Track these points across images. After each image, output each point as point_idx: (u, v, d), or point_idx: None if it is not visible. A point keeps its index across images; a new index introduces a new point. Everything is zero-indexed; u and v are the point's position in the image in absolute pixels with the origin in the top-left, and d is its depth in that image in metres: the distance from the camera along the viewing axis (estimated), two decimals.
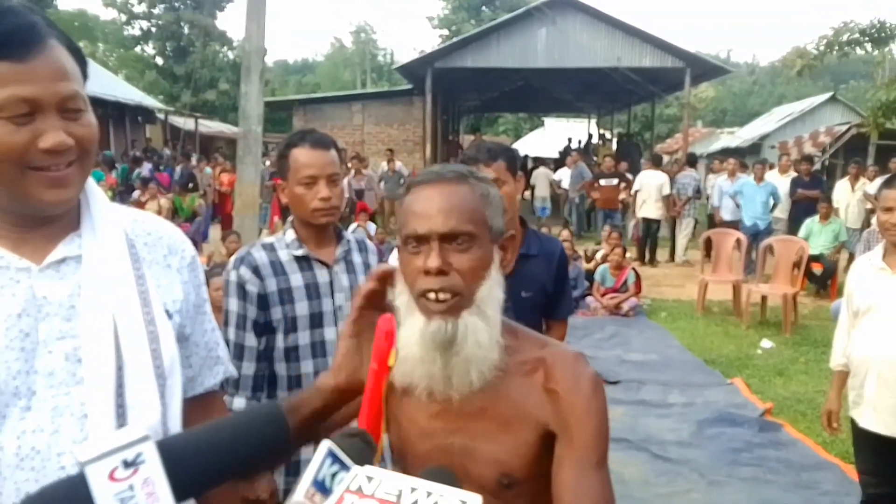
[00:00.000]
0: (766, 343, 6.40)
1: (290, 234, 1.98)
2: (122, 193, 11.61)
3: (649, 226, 10.86)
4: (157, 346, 1.01)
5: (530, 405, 1.07)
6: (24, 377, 0.93)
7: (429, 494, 0.59)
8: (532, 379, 1.08)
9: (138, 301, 1.01)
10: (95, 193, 1.06)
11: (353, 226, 9.69)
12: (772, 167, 10.52)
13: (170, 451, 0.59)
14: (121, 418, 0.95)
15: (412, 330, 1.04)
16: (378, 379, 1.03)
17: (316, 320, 1.93)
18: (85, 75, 0.99)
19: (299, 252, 1.95)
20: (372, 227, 9.89)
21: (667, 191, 10.76)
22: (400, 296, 1.07)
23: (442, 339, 1.02)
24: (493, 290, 1.06)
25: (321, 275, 1.96)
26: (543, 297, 2.28)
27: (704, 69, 16.19)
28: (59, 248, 0.98)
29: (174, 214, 10.15)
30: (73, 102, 0.93)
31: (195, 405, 1.16)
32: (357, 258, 2.07)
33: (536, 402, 1.07)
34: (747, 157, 12.21)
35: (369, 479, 0.49)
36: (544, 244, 2.34)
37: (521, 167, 2.65)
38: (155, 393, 1.00)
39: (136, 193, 10.77)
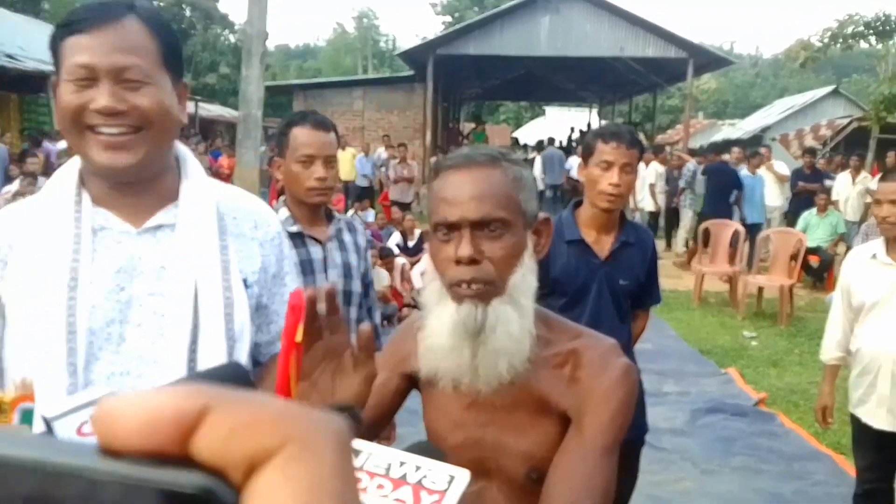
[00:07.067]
0: (748, 333, 6.44)
1: (284, 212, 2.00)
2: None
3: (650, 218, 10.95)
4: (231, 311, 1.10)
5: (557, 396, 1.04)
6: (118, 326, 1.04)
7: (417, 468, 0.60)
8: (562, 371, 1.05)
9: (220, 270, 1.11)
10: (195, 169, 1.17)
11: (350, 212, 9.68)
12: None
13: None
14: (191, 371, 1.05)
15: (441, 317, 1.01)
16: (286, 358, 0.96)
17: None
18: (169, 58, 1.07)
19: (293, 229, 1.96)
20: (370, 213, 9.87)
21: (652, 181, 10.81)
22: (431, 283, 1.04)
23: (472, 325, 0.98)
24: (526, 278, 1.02)
25: (315, 251, 1.99)
26: (637, 287, 2.27)
27: (707, 60, 16.12)
28: (158, 215, 1.10)
29: None
30: (130, 73, 1.01)
31: (272, 367, 1.25)
32: (347, 237, 2.12)
33: (562, 393, 1.04)
34: (748, 150, 12.15)
35: (357, 452, 0.49)
36: (640, 233, 2.33)
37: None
38: (223, 353, 1.08)
39: None
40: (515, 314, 1.00)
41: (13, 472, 0.15)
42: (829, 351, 2.76)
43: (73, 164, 1.11)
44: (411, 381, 1.18)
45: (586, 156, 2.18)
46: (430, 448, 0.80)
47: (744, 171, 9.28)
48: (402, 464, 0.61)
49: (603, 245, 2.20)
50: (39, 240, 1.05)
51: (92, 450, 0.15)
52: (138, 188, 1.09)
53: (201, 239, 1.10)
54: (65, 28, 1.02)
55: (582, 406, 1.01)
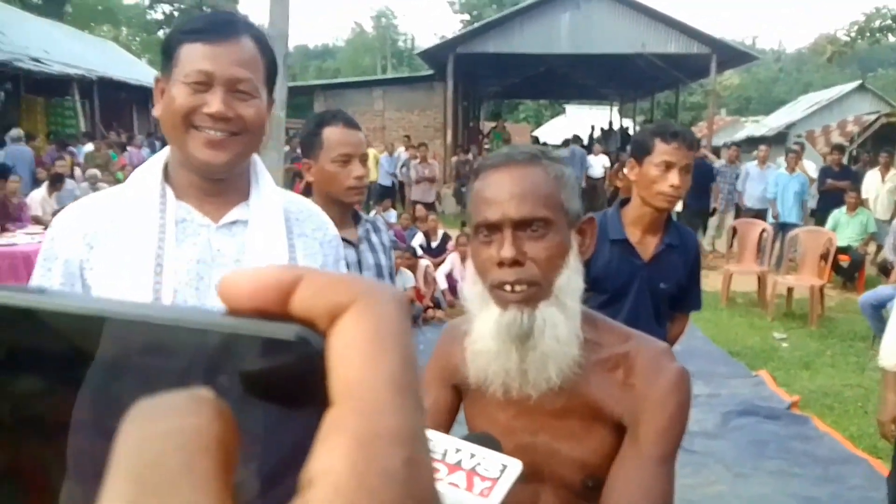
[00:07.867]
0: (778, 334, 6.35)
1: None
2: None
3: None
4: None
5: (610, 402, 1.02)
6: None
7: (472, 456, 0.60)
8: (614, 375, 1.03)
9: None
10: (264, 173, 1.27)
11: (372, 213, 9.69)
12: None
13: None
14: None
15: (486, 322, 0.99)
16: None
17: None
18: (270, 77, 1.19)
19: None
20: (392, 214, 9.87)
21: None
22: (473, 287, 1.03)
23: (518, 331, 0.96)
24: (572, 279, 1.00)
25: (349, 254, 1.98)
26: (677, 290, 2.22)
27: (730, 56, 15.92)
28: (233, 211, 1.19)
29: None
30: (243, 85, 1.12)
31: None
32: (375, 238, 2.15)
33: (616, 399, 1.02)
34: (773, 147, 11.97)
35: None
36: (683, 235, 2.28)
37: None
38: None
39: None
40: (562, 317, 0.98)
41: (160, 330, 0.19)
42: (893, 356, 2.42)
43: (158, 160, 1.19)
44: (459, 393, 1.16)
45: (641, 155, 2.13)
46: (487, 438, 0.79)
47: (781, 171, 9.07)
48: (457, 450, 0.62)
49: (647, 246, 2.17)
50: (126, 227, 1.13)
51: (215, 312, 0.20)
52: (218, 186, 1.18)
53: (271, 236, 1.20)
54: (186, 35, 1.12)
55: (637, 414, 0.99)
